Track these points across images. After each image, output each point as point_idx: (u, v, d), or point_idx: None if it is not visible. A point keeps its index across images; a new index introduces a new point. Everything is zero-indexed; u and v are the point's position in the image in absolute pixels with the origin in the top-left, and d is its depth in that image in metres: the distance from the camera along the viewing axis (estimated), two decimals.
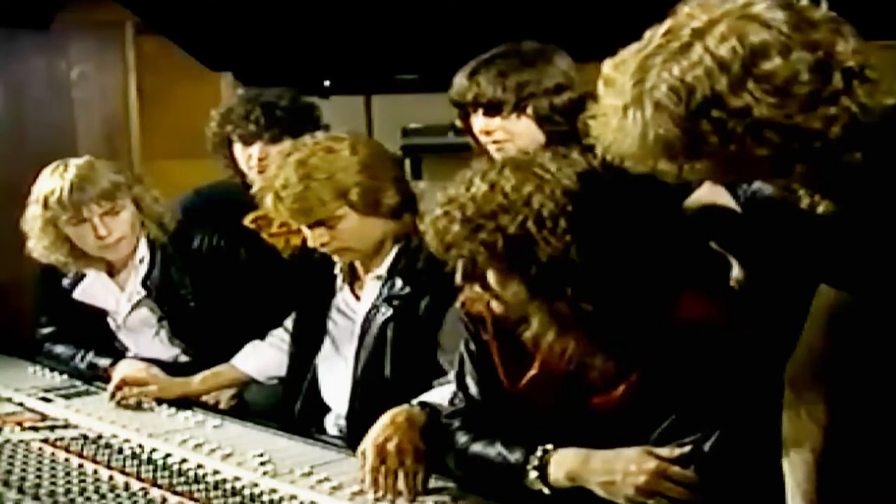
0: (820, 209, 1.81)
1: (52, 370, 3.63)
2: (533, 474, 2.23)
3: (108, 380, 3.31)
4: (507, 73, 2.82)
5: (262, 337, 3.40)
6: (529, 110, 2.83)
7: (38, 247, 3.49)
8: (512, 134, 2.83)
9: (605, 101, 1.79)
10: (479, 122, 2.88)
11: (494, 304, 2.24)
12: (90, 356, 3.57)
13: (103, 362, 3.50)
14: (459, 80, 2.89)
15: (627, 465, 2.12)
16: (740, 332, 2.14)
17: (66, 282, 3.63)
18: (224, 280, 3.52)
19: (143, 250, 3.56)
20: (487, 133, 2.86)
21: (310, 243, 2.96)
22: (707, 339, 2.13)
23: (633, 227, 2.12)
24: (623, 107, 1.74)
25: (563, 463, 2.21)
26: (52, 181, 3.43)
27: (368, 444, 2.40)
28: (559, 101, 2.83)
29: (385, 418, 2.45)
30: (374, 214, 2.93)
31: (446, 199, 2.17)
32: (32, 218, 3.47)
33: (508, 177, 2.12)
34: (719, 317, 2.15)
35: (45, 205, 3.42)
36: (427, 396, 2.66)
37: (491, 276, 2.17)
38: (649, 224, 2.15)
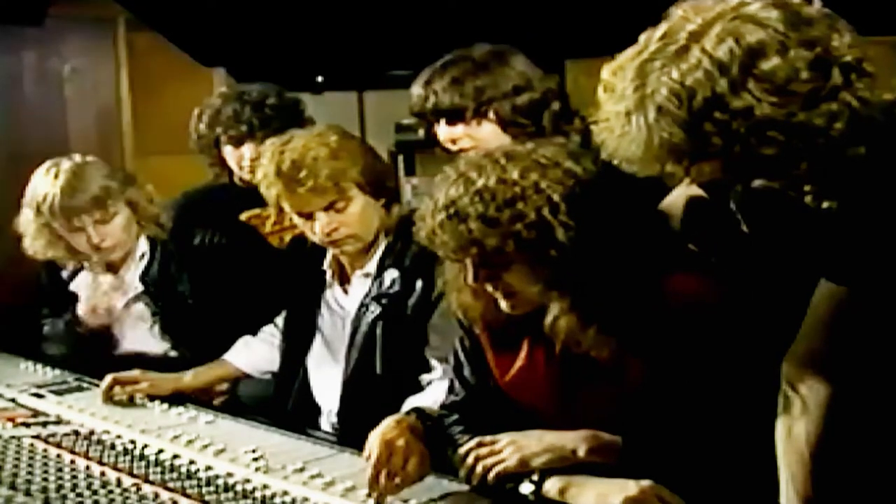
0: (824, 205, 1.82)
1: (48, 365, 3.62)
2: (527, 488, 2.24)
3: (99, 375, 3.31)
4: (462, 80, 2.80)
5: (254, 332, 3.40)
6: (491, 115, 2.81)
7: (35, 245, 3.51)
8: (477, 140, 2.80)
9: (606, 106, 1.79)
10: (443, 131, 2.86)
11: (504, 303, 2.24)
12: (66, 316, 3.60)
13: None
14: (415, 90, 2.87)
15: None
16: (735, 311, 2.16)
17: (65, 273, 3.66)
18: (224, 278, 3.52)
19: (144, 246, 3.57)
20: (453, 141, 2.85)
21: (316, 232, 2.93)
22: (699, 316, 2.15)
23: (633, 202, 2.14)
24: (625, 112, 1.75)
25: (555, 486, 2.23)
26: (42, 186, 3.43)
27: (376, 439, 2.36)
28: (520, 102, 2.81)
29: (390, 420, 2.43)
30: (378, 197, 2.96)
31: (447, 200, 2.16)
32: (26, 221, 3.48)
33: (510, 168, 2.14)
34: (709, 294, 2.17)
35: (38, 211, 3.43)
36: (417, 401, 2.67)
37: (512, 270, 2.17)
38: (647, 199, 2.17)
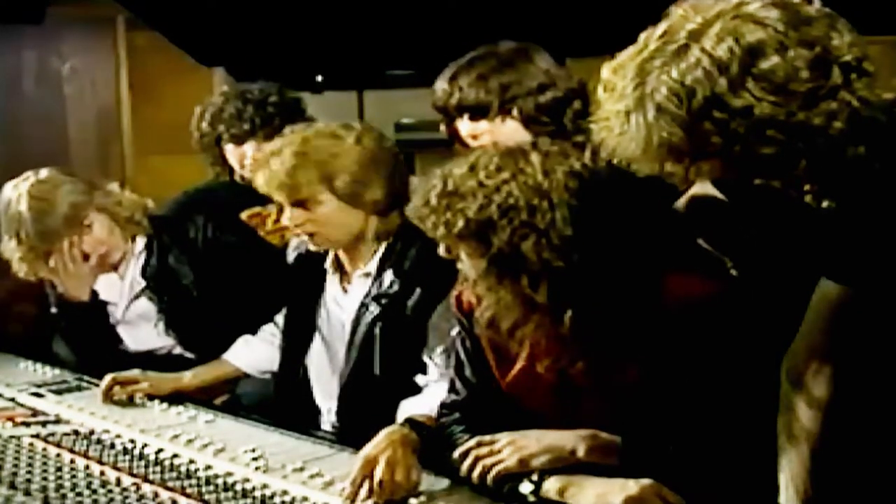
0: (824, 204, 1.82)
1: (48, 364, 3.62)
2: (527, 488, 2.24)
3: (99, 374, 3.31)
4: (487, 76, 2.80)
5: (254, 331, 3.40)
6: (514, 112, 2.80)
7: (25, 267, 3.51)
8: (499, 136, 2.79)
9: (606, 105, 1.79)
10: (465, 126, 2.85)
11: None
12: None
13: None
14: (440, 85, 2.86)
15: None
16: (734, 311, 2.15)
17: None
18: (220, 271, 3.52)
19: (141, 243, 3.58)
20: (475, 137, 2.84)
21: (284, 221, 2.96)
22: (700, 316, 2.15)
23: (606, 230, 2.16)
24: (625, 111, 1.75)
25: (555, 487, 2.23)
26: (12, 212, 3.42)
27: (360, 456, 2.36)
28: (543, 100, 2.80)
29: (382, 433, 2.42)
30: (357, 206, 2.92)
31: (440, 172, 2.23)
32: (10, 249, 3.48)
33: (490, 162, 2.19)
34: (711, 295, 2.17)
35: (18, 237, 3.43)
36: (413, 407, 2.67)
37: (461, 252, 2.23)
38: (628, 226, 2.18)
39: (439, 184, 2.20)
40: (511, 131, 2.79)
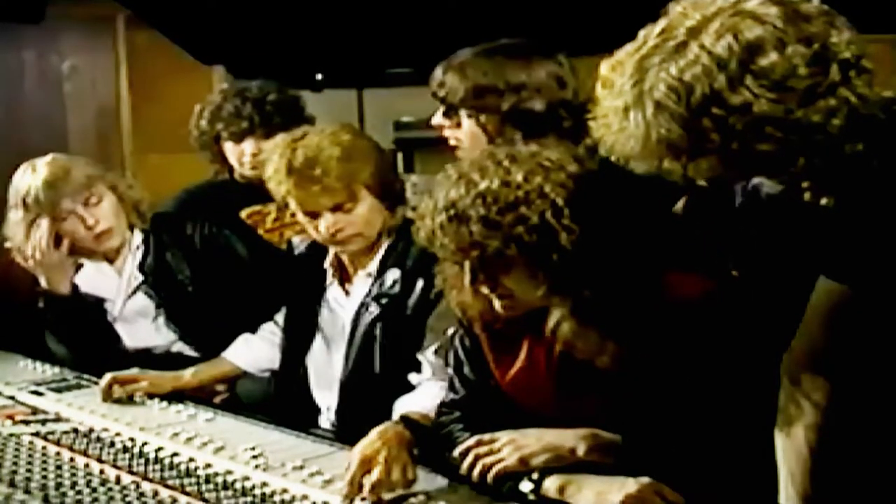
0: (822, 202, 1.82)
1: (47, 363, 3.62)
2: (527, 486, 2.24)
3: (99, 372, 3.31)
4: (467, 79, 2.74)
5: (253, 329, 3.40)
6: (483, 119, 2.74)
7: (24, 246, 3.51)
8: (463, 140, 2.78)
9: (604, 102, 1.79)
10: (436, 118, 2.83)
11: (498, 304, 2.23)
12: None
13: None
14: (435, 73, 2.82)
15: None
16: (733, 311, 2.15)
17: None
18: (218, 268, 3.53)
19: (138, 238, 3.57)
20: (442, 129, 2.82)
21: (321, 231, 2.91)
22: (700, 316, 2.15)
23: (635, 206, 2.14)
24: (623, 108, 1.75)
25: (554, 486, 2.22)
26: (24, 183, 3.45)
27: (356, 453, 2.36)
28: (518, 114, 2.71)
29: (374, 432, 2.42)
30: (385, 199, 2.94)
31: (448, 202, 2.15)
32: (14, 223, 3.48)
33: (514, 170, 2.13)
34: (711, 294, 2.17)
35: (25, 206, 3.43)
36: (407, 404, 2.69)
37: (512, 274, 2.16)
38: (648, 202, 2.16)
39: (479, 204, 2.11)
40: (476, 137, 2.76)
